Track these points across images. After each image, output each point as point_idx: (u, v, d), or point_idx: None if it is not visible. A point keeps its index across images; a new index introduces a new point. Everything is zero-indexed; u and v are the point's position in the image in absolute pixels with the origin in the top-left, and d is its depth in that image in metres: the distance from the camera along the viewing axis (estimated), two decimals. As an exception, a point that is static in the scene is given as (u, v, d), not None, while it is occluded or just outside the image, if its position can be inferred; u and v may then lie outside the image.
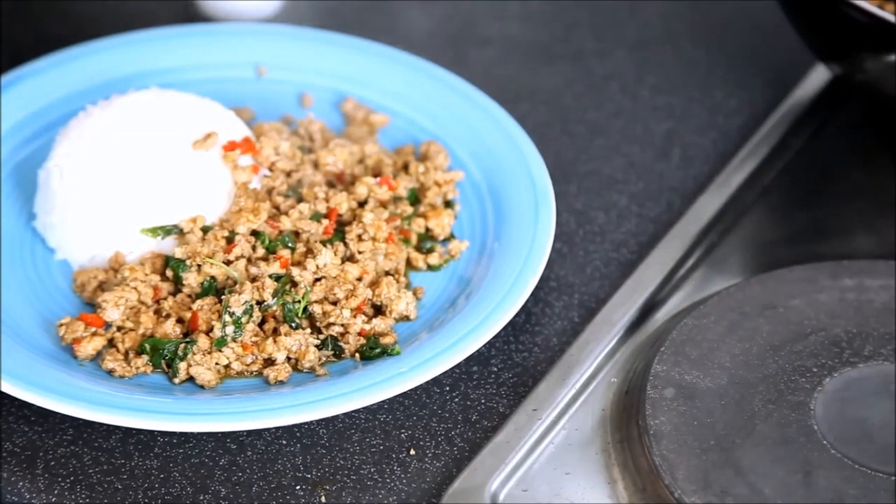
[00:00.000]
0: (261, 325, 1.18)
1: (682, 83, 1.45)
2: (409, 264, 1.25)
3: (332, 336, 1.18)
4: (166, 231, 1.22)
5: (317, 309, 1.18)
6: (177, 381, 1.15)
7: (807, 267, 1.23)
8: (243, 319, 1.16)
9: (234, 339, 1.16)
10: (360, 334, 1.18)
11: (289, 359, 1.17)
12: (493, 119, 1.32)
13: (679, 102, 1.43)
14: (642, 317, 1.23)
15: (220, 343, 1.15)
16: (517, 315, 1.21)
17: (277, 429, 1.13)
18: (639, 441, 1.11)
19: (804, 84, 1.43)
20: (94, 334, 1.17)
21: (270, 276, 1.18)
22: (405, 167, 1.31)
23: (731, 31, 1.51)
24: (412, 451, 1.13)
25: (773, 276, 1.23)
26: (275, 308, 1.17)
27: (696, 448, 1.10)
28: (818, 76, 1.43)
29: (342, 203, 1.24)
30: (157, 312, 1.19)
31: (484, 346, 1.17)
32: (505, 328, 1.19)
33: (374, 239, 1.22)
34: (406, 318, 1.20)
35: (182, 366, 1.15)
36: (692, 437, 1.10)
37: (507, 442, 1.13)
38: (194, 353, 1.15)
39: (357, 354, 1.17)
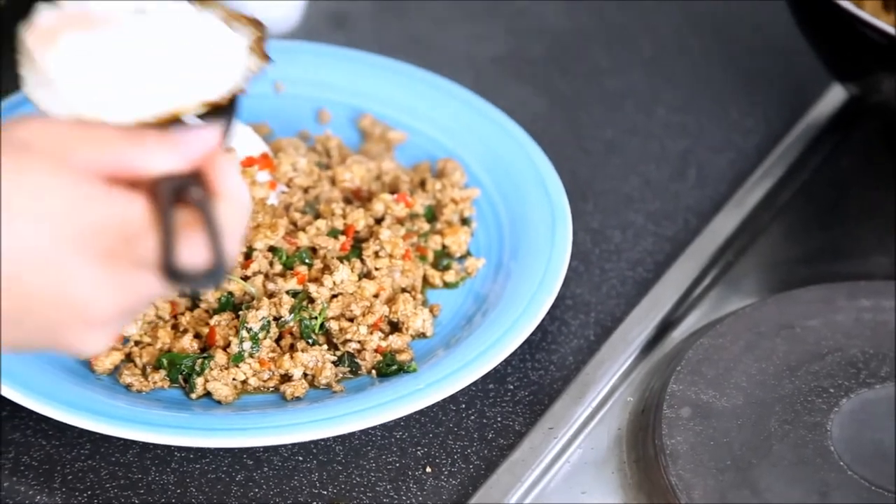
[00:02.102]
0: (278, 341, 1.18)
1: (697, 101, 1.45)
2: (426, 281, 1.25)
3: (348, 352, 1.18)
4: (184, 246, 1.22)
5: (334, 325, 1.18)
6: (194, 396, 1.15)
7: (823, 287, 1.23)
8: (260, 335, 1.16)
9: (251, 355, 1.16)
10: (376, 351, 1.18)
11: (305, 375, 1.17)
12: (510, 136, 1.32)
13: (695, 121, 1.43)
14: (658, 336, 1.23)
15: (238, 359, 1.15)
16: (533, 333, 1.21)
17: (294, 445, 1.13)
18: (655, 460, 1.11)
19: (821, 104, 1.43)
20: (111, 349, 1.17)
21: (287, 293, 1.18)
22: (422, 184, 1.31)
23: (748, 50, 1.51)
24: (428, 469, 1.13)
25: (789, 296, 1.23)
26: (292, 324, 1.17)
27: (712, 468, 1.09)
28: (835, 96, 1.43)
29: (359, 220, 1.24)
30: (175, 328, 1.19)
31: (500, 363, 1.17)
32: (521, 346, 1.19)
33: (390, 256, 1.22)
34: (423, 336, 1.20)
35: (199, 381, 1.15)
36: (708, 457, 1.10)
37: (522, 460, 1.13)
38: (211, 369, 1.15)
39: (374, 371, 1.17)
